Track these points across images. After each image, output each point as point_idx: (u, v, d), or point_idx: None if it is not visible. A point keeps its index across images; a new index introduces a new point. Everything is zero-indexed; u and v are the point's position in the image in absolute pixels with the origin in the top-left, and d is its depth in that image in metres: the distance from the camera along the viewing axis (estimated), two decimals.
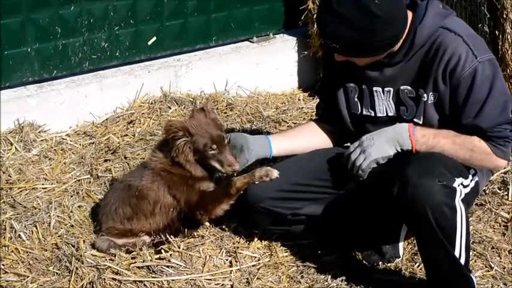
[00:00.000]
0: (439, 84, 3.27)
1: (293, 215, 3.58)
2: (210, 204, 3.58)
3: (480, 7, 4.34)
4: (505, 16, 4.21)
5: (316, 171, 3.58)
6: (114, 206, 3.69)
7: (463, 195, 3.17)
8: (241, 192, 3.54)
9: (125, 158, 4.50)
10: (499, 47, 4.28)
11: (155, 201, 3.62)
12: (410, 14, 3.30)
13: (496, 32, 4.29)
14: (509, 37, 4.25)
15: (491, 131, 3.23)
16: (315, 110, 3.96)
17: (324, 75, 3.77)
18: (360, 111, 3.50)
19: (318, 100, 3.86)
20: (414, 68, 3.32)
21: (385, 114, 3.44)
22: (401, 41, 3.28)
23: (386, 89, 3.40)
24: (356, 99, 3.50)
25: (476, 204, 3.94)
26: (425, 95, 3.31)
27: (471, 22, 4.27)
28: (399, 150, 3.29)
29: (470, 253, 3.46)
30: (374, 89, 3.42)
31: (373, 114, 3.47)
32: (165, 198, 3.61)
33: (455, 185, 3.14)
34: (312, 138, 3.71)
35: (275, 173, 3.45)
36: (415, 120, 3.35)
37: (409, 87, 3.35)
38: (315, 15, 5.30)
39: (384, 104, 3.43)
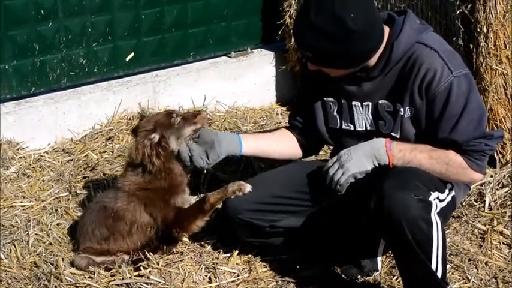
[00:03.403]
0: (415, 98, 3.29)
1: (271, 227, 3.59)
2: (185, 220, 3.60)
3: (454, 21, 4.37)
4: (479, 30, 4.25)
5: (294, 184, 3.59)
6: (91, 227, 3.68)
7: (438, 209, 3.19)
8: (216, 208, 3.58)
9: (104, 174, 4.50)
10: (474, 60, 4.30)
11: (132, 221, 3.61)
12: (387, 29, 3.32)
13: (471, 46, 4.32)
14: (483, 50, 4.28)
15: (466, 145, 3.26)
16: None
17: (301, 89, 3.78)
18: (339, 125, 3.53)
19: (292, 111, 3.85)
20: (391, 82, 3.35)
21: (363, 128, 3.47)
22: (377, 55, 3.30)
23: (364, 103, 3.43)
24: (335, 114, 3.52)
25: (453, 217, 3.97)
26: (402, 109, 3.34)
27: (446, 36, 4.29)
28: (376, 165, 3.31)
29: (448, 265, 3.49)
30: (353, 103, 3.45)
31: (352, 128, 3.49)
32: (141, 218, 3.61)
33: (431, 199, 3.16)
34: (281, 144, 3.73)
35: (248, 187, 3.49)
36: (392, 134, 3.38)
37: (386, 102, 3.38)
38: (292, 30, 5.34)
39: (362, 118, 3.46)
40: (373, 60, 3.32)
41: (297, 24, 3.31)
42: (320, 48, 3.20)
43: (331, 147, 3.79)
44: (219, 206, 3.61)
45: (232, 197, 3.50)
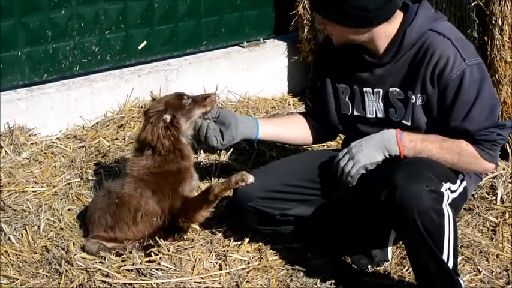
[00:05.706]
0: (427, 86, 3.28)
1: (282, 215, 3.59)
2: (191, 211, 3.60)
3: (469, 13, 4.35)
4: (493, 22, 4.22)
5: (306, 173, 3.59)
6: (97, 215, 3.69)
7: (450, 200, 3.18)
8: (220, 198, 3.59)
9: (115, 161, 4.51)
10: (488, 52, 4.28)
11: (136, 208, 3.60)
12: (401, 15, 3.32)
13: (485, 38, 4.30)
14: (498, 43, 4.26)
15: (478, 134, 3.25)
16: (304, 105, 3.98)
17: (314, 77, 3.76)
18: (350, 111, 3.53)
19: (306, 96, 3.84)
20: (403, 69, 3.34)
21: (374, 115, 3.46)
22: (383, 40, 3.30)
23: (375, 90, 3.42)
24: (347, 100, 3.52)
25: (465, 209, 3.96)
26: (413, 97, 3.32)
27: (460, 27, 4.27)
28: (387, 156, 3.29)
29: (459, 257, 3.49)
30: (364, 89, 3.44)
31: (363, 114, 3.49)
32: (147, 205, 3.60)
33: (442, 189, 3.16)
34: (296, 130, 3.75)
35: (250, 178, 3.50)
36: (403, 122, 3.37)
37: (397, 89, 3.37)
38: (305, 21, 5.34)
39: (373, 105, 3.45)
40: (381, 45, 3.31)
41: None
42: None
43: (344, 136, 3.78)
44: (226, 195, 3.62)
45: (237, 187, 3.51)
